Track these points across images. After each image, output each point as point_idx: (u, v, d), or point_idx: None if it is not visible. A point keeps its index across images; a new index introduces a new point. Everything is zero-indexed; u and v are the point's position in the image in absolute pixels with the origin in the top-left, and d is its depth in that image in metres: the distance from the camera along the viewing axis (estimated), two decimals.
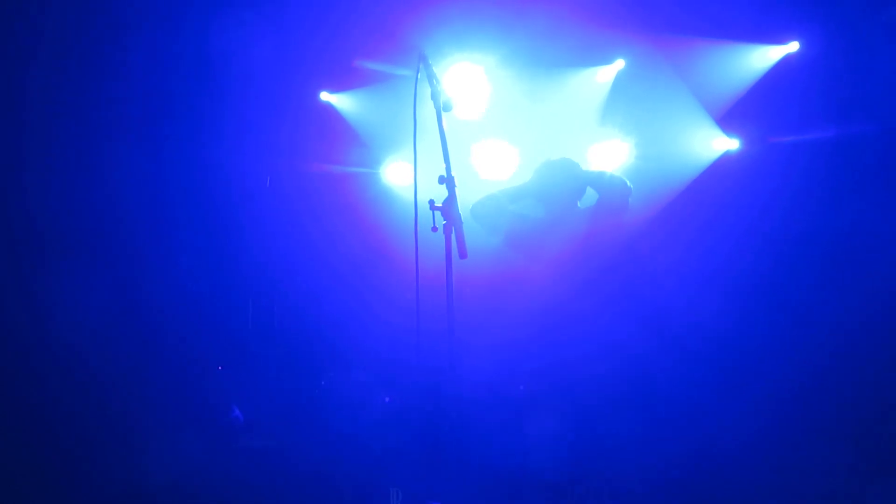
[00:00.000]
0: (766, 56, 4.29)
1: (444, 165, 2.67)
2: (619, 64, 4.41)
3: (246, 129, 4.42)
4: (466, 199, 4.16)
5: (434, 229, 2.66)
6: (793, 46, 4.25)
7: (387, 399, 4.09)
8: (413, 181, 2.79)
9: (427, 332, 2.76)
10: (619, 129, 4.41)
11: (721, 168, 4.48)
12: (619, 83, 4.40)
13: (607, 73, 4.43)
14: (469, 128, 4.43)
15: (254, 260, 4.52)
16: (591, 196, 3.81)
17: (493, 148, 4.38)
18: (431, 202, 2.63)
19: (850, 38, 3.93)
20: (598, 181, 3.71)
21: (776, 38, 4.25)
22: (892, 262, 3.96)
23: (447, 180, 2.63)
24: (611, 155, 4.38)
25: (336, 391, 4.36)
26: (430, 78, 2.78)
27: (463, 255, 2.60)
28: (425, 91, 2.78)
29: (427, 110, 2.78)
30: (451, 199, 2.62)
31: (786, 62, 4.28)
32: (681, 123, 4.41)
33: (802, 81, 4.24)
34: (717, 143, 4.47)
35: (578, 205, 3.76)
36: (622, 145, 4.39)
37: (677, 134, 4.44)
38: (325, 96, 4.70)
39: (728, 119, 4.45)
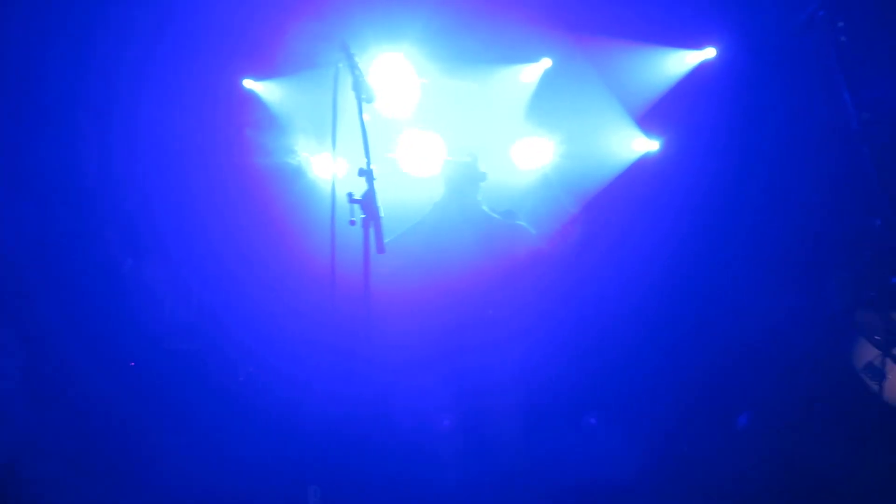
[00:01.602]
0: (684, 60, 4.43)
1: (365, 158, 2.64)
2: (546, 63, 4.47)
3: (153, 119, 4.27)
4: (391, 193, 4.14)
5: (352, 223, 2.63)
6: (709, 52, 4.41)
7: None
8: (343, 173, 2.77)
9: (344, 327, 2.73)
10: (543, 128, 4.46)
11: (641, 168, 4.61)
12: (545, 82, 4.45)
13: (534, 70, 4.47)
14: (395, 121, 4.39)
15: (164, 255, 4.37)
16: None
17: (418, 142, 4.35)
18: (350, 195, 2.60)
19: (763, 47, 4.10)
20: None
21: (694, 43, 4.39)
22: (804, 260, 4.16)
23: (366, 173, 2.60)
24: (535, 152, 4.44)
25: (254, 386, 4.27)
26: (352, 68, 2.74)
27: (381, 249, 2.58)
28: (348, 81, 2.75)
29: (353, 101, 2.74)
30: (370, 192, 2.60)
31: (703, 67, 4.44)
32: (603, 124, 4.51)
33: (719, 87, 4.39)
34: (637, 144, 4.59)
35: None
36: (546, 143, 4.45)
37: (599, 134, 4.53)
38: (248, 84, 4.58)
39: (648, 121, 4.58)
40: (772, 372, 4.09)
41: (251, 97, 4.59)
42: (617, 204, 4.53)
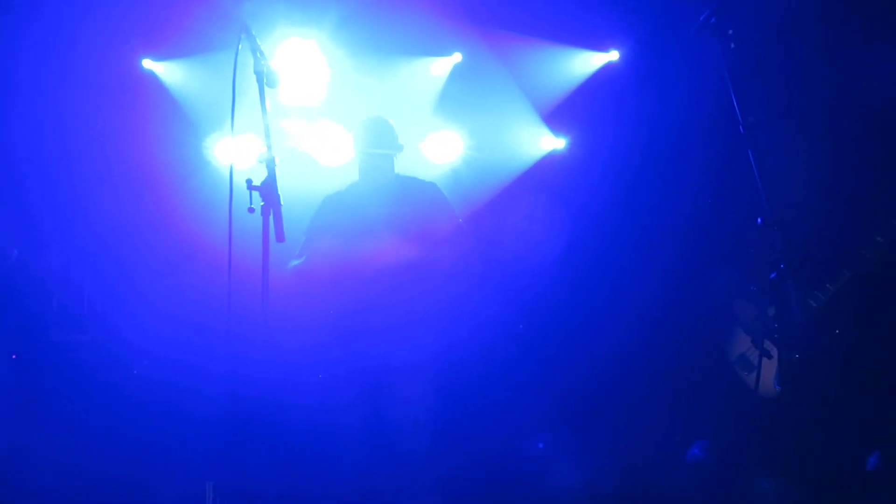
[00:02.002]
0: (590, 61, 4.56)
1: (266, 144, 2.56)
2: (457, 57, 4.48)
3: (41, 101, 4.01)
4: (297, 183, 4.04)
5: (251, 210, 2.54)
6: (613, 55, 4.56)
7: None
8: (244, 159, 2.67)
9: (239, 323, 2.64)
10: (452, 122, 4.47)
11: (547, 165, 4.71)
12: (455, 76, 4.46)
13: (444, 64, 4.48)
14: (303, 108, 4.29)
15: (54, 245, 4.12)
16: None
17: (325, 131, 4.28)
18: (249, 181, 2.50)
19: (662, 51, 4.27)
20: (422, 189, 3.50)
21: (599, 45, 4.52)
22: (695, 256, 4.37)
23: (267, 160, 2.52)
24: (444, 146, 4.45)
25: (149, 380, 4.09)
26: (254, 51, 2.64)
27: (280, 238, 2.50)
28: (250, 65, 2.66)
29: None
30: (270, 179, 2.51)
31: (607, 69, 4.58)
32: (512, 120, 4.57)
33: (621, 88, 4.54)
34: (544, 142, 4.68)
35: None
36: (455, 137, 4.47)
37: (508, 130, 4.59)
38: (147, 64, 4.36)
39: (555, 119, 4.68)
40: (662, 364, 4.28)
41: (150, 78, 4.37)
42: (522, 199, 4.62)
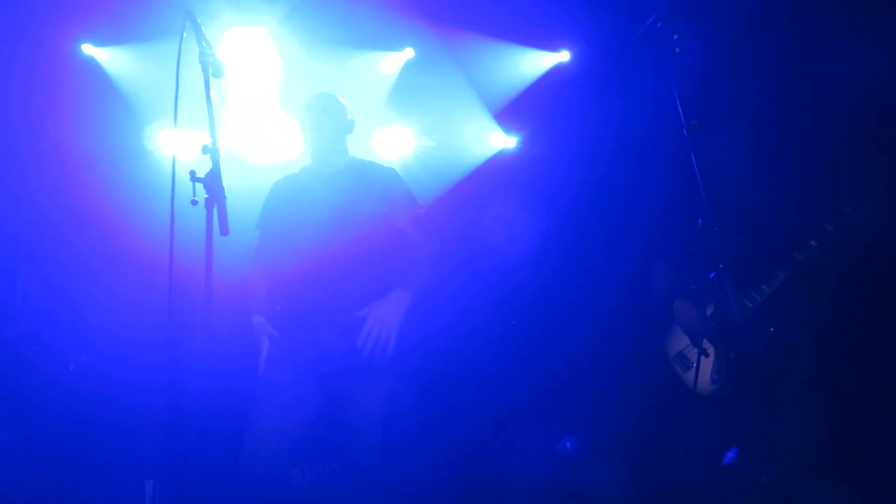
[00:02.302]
0: (541, 61, 4.60)
1: (210, 135, 2.49)
2: (409, 52, 4.46)
3: None
4: (244, 177, 3.97)
5: (194, 202, 2.48)
6: (564, 56, 4.61)
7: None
8: (194, 150, 2.59)
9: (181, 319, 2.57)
10: (403, 117, 4.46)
11: (498, 164, 4.74)
12: (408, 71, 4.44)
13: (397, 59, 4.45)
14: (251, 100, 4.21)
15: None
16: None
17: (276, 124, 4.21)
18: (192, 173, 2.44)
19: (612, 53, 4.33)
20: (380, 174, 3.27)
21: (551, 45, 4.57)
22: (639, 256, 4.46)
23: (211, 151, 2.46)
24: (394, 141, 4.42)
25: (85, 376, 3.96)
26: (199, 40, 2.58)
27: (224, 231, 2.44)
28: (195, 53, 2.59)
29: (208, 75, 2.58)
30: (214, 170, 2.45)
31: (559, 69, 4.63)
32: (463, 117, 4.58)
33: (572, 89, 4.60)
34: (495, 140, 4.70)
35: None
36: (406, 132, 4.46)
37: (459, 127, 4.60)
38: (88, 49, 4.20)
39: (507, 117, 4.71)
40: (606, 363, 4.36)
41: (90, 64, 4.22)
42: (473, 197, 4.63)
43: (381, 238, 3.01)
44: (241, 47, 4.00)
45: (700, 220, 2.24)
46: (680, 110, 2.40)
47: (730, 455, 3.23)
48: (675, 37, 2.41)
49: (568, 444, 3.69)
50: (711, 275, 2.21)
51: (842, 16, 3.60)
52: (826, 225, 3.27)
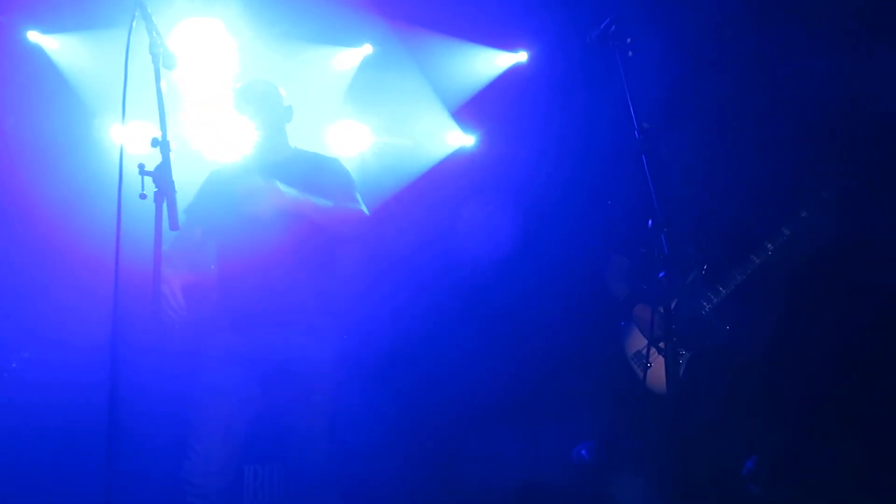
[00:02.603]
0: (499, 61, 4.62)
1: (160, 128, 2.44)
2: (367, 49, 4.43)
3: None
4: (198, 173, 3.88)
5: (143, 196, 2.42)
6: (522, 56, 4.64)
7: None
8: (144, 144, 2.54)
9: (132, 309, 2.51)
10: (360, 113, 4.43)
11: (455, 162, 4.75)
12: (365, 67, 4.42)
13: (355, 55, 4.42)
14: (207, 93, 4.12)
15: None
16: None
17: (230, 119, 4.12)
18: (141, 166, 2.39)
19: (569, 55, 4.38)
20: (325, 164, 3.18)
21: (509, 45, 4.60)
22: (592, 256, 4.52)
23: (161, 144, 2.41)
24: (351, 137, 4.40)
25: (28, 374, 3.84)
26: (150, 29, 2.52)
27: (174, 226, 2.40)
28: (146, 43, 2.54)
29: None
30: (164, 164, 2.40)
31: (516, 70, 4.66)
32: (420, 115, 4.58)
33: (530, 89, 4.64)
34: (452, 138, 4.71)
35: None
36: (362, 129, 4.43)
37: (416, 124, 4.59)
38: (33, 36, 4.06)
39: (465, 116, 4.73)
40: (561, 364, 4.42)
41: (36, 52, 4.08)
42: (430, 195, 4.64)
43: (324, 234, 2.90)
44: (195, 38, 3.90)
45: (650, 221, 2.27)
46: (632, 113, 2.43)
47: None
48: (629, 40, 2.45)
49: (584, 452, 3.68)
50: (661, 274, 2.24)
51: (803, 18, 3.69)
52: (782, 228, 3.31)
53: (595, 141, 4.33)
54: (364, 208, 3.06)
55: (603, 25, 2.51)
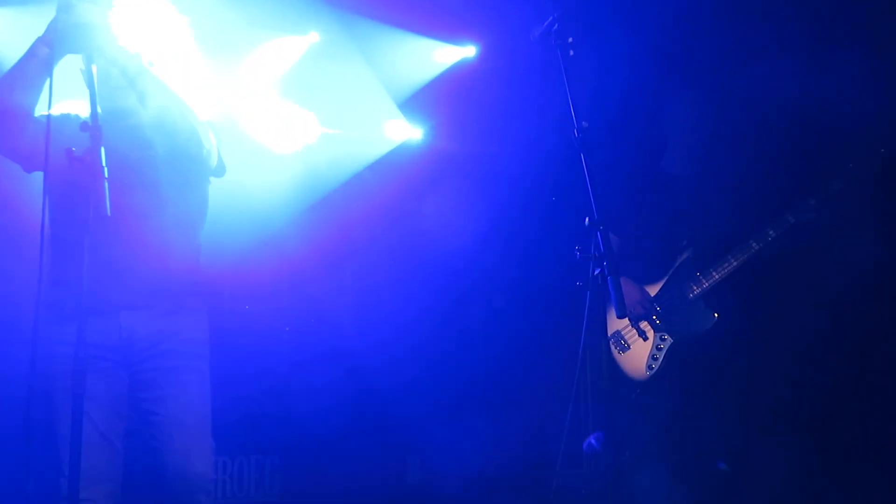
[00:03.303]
0: (447, 55, 4.62)
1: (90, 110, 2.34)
2: (314, 37, 4.36)
3: None
4: None
5: (76, 184, 2.33)
6: (470, 51, 4.65)
7: None
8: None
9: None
10: (305, 104, 4.36)
11: (401, 155, 4.73)
12: (311, 56, 4.34)
13: (300, 43, 4.34)
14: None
15: None
16: None
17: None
18: (69, 151, 2.30)
19: (515, 52, 4.41)
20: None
21: (456, 39, 4.60)
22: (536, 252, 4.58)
23: (91, 128, 2.31)
24: (294, 127, 4.33)
25: None
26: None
27: (104, 213, 2.31)
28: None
29: None
30: (94, 149, 2.31)
31: (464, 64, 4.67)
32: (367, 107, 4.54)
33: (476, 84, 4.66)
34: (400, 131, 4.69)
35: None
36: (306, 119, 4.37)
37: (362, 116, 4.55)
38: None
39: (412, 109, 4.72)
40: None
41: None
42: (375, 187, 4.62)
43: (191, 204, 2.66)
44: (129, 15, 3.73)
45: (586, 219, 2.31)
46: (573, 112, 2.46)
47: (591, 440, 3.27)
48: (570, 39, 2.48)
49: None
50: (596, 271, 2.28)
51: (766, 19, 3.77)
52: (786, 215, 3.22)
53: (542, 139, 4.38)
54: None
55: (545, 23, 2.54)
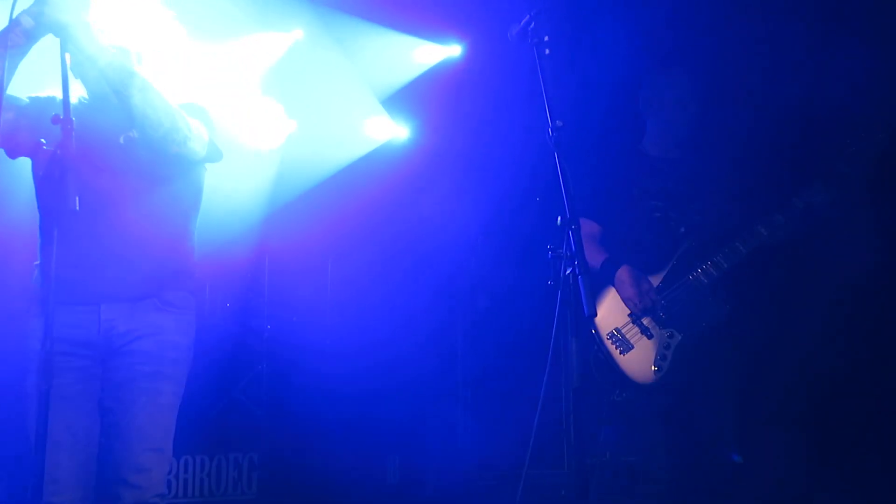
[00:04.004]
0: (432, 53, 4.62)
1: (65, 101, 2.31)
2: (298, 34, 4.35)
3: None
4: None
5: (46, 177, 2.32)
6: (455, 50, 4.65)
7: None
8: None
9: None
10: (287, 101, 4.35)
11: (386, 153, 4.73)
12: (294, 53, 4.34)
13: (284, 40, 4.33)
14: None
15: None
16: None
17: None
18: (38, 144, 2.28)
19: (498, 51, 4.41)
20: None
21: (441, 38, 4.60)
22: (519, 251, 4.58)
23: (63, 121, 2.28)
24: (273, 125, 4.32)
25: None
26: None
27: (73, 206, 2.28)
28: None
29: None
30: (65, 142, 2.29)
31: (449, 63, 4.67)
32: (351, 105, 4.54)
33: (461, 83, 4.66)
34: (384, 129, 4.69)
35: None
36: (289, 118, 4.36)
37: (346, 114, 4.55)
38: None
39: (397, 108, 4.72)
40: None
41: None
42: (360, 185, 4.61)
43: (176, 193, 2.54)
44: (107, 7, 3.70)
45: (558, 219, 2.31)
46: (547, 111, 2.46)
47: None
48: (546, 38, 2.47)
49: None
50: (567, 270, 2.28)
51: (771, 15, 3.73)
52: (794, 199, 3.04)
53: (518, 137, 4.38)
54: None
55: (522, 22, 2.53)
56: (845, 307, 3.49)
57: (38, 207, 2.52)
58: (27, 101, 2.55)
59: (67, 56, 2.36)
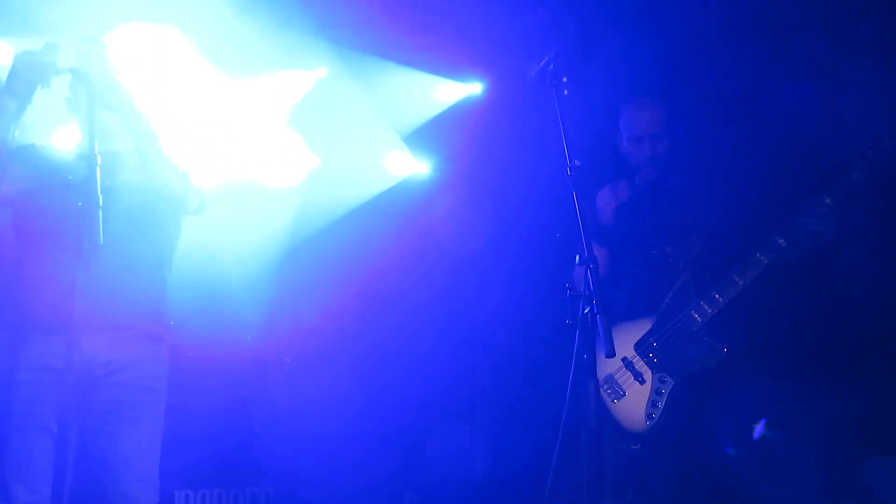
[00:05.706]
0: (453, 91, 4.67)
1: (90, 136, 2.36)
2: (322, 72, 4.43)
3: None
4: None
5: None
6: (476, 87, 4.70)
7: None
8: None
9: None
10: (310, 137, 4.42)
11: (407, 189, 4.77)
12: (318, 91, 4.41)
13: (308, 78, 4.41)
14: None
15: None
16: None
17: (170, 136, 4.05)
18: (66, 178, 2.35)
19: (519, 91, 4.45)
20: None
21: (462, 76, 4.66)
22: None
23: (87, 157, 2.34)
24: (297, 162, 4.38)
25: None
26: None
27: (98, 240, 2.32)
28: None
29: None
30: (90, 178, 2.34)
31: (470, 100, 4.72)
32: (372, 141, 4.60)
33: (483, 121, 4.70)
34: (404, 165, 4.73)
35: None
36: (311, 153, 4.42)
37: (367, 150, 4.60)
38: None
39: (418, 144, 4.77)
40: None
41: None
42: (381, 220, 4.65)
43: (160, 236, 2.67)
44: (136, 44, 3.79)
45: (577, 257, 2.30)
46: (566, 151, 2.47)
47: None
48: (564, 79, 2.50)
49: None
50: (586, 310, 2.26)
51: (777, 42, 3.66)
52: (796, 217, 2.77)
53: (538, 175, 4.38)
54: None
55: (541, 64, 2.56)
56: (851, 348, 3.20)
57: (37, 240, 2.57)
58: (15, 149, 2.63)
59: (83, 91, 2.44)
